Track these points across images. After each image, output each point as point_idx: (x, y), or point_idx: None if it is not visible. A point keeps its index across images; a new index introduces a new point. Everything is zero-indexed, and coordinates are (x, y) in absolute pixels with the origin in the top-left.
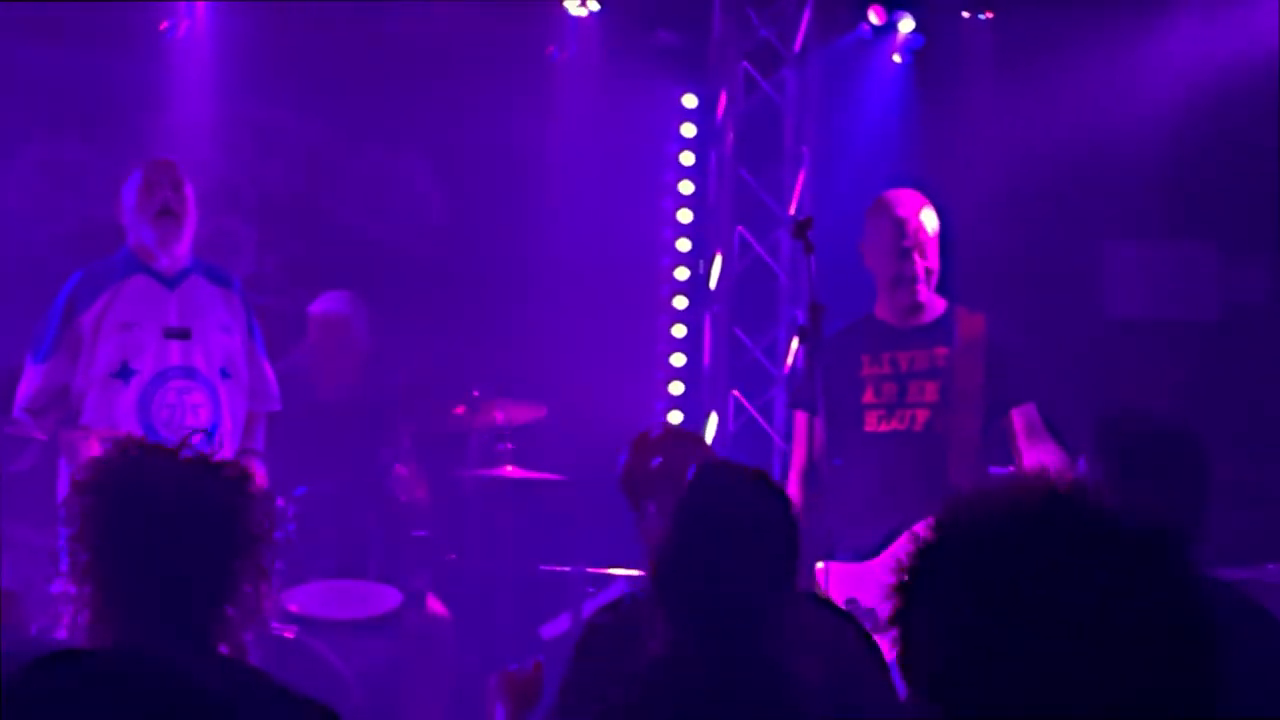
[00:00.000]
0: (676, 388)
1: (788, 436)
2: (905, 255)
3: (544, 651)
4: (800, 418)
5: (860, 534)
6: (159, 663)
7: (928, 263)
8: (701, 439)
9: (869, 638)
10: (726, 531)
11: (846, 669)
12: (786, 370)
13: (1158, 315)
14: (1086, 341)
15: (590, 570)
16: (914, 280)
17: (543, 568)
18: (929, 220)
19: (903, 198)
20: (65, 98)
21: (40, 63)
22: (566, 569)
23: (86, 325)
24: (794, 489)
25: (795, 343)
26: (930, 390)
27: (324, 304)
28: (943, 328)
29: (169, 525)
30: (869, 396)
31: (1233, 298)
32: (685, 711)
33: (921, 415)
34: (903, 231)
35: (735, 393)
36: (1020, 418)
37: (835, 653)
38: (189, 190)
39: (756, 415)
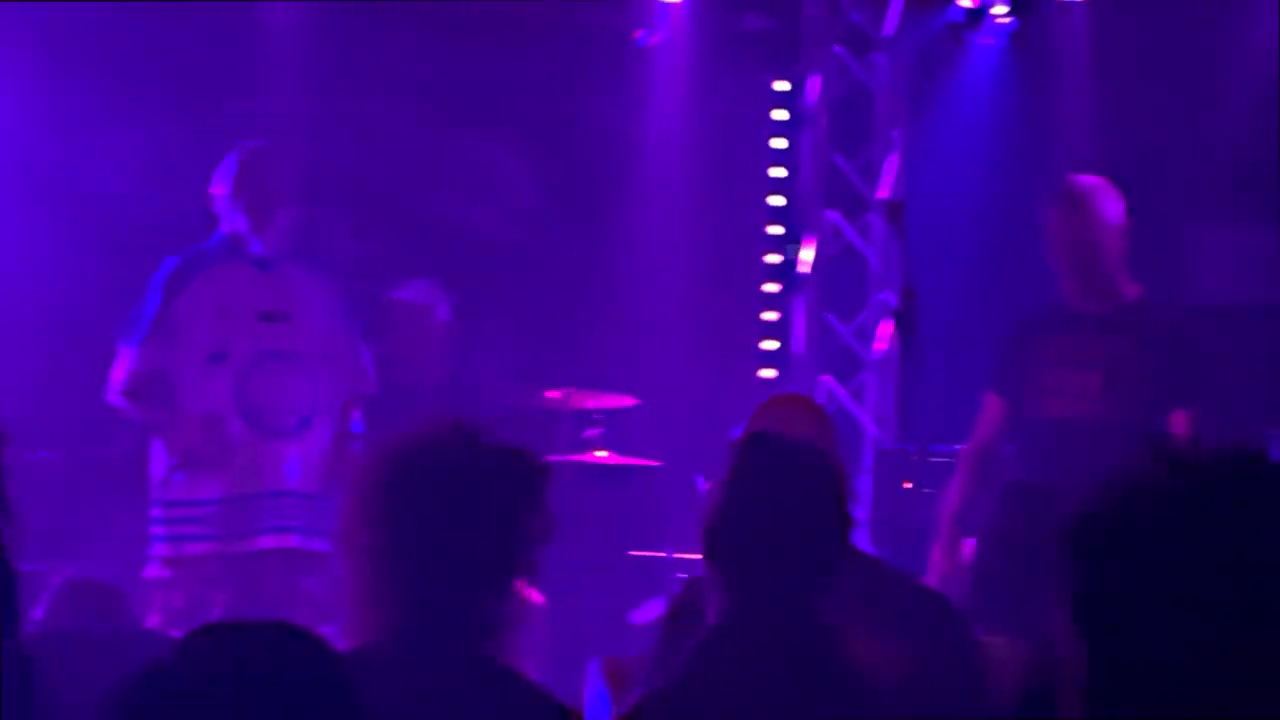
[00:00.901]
0: (767, 373)
1: (880, 421)
2: (1093, 245)
3: (634, 637)
4: (990, 400)
5: None
6: (300, 643)
7: (1114, 252)
8: (812, 407)
9: (954, 615)
10: (774, 499)
11: (922, 643)
12: (877, 355)
13: (1243, 300)
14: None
15: (680, 556)
16: (1107, 269)
17: (632, 553)
18: (1115, 209)
19: (1091, 187)
20: (162, 84)
21: (137, 49)
22: (657, 555)
23: (182, 309)
24: (963, 468)
25: (887, 327)
26: (1107, 379)
27: (405, 293)
28: (1129, 317)
29: (462, 513)
30: (1045, 381)
31: None
32: (742, 679)
33: (1098, 403)
34: (1089, 221)
35: (825, 378)
36: (1178, 423)
37: (910, 625)
38: (284, 176)
39: (846, 400)
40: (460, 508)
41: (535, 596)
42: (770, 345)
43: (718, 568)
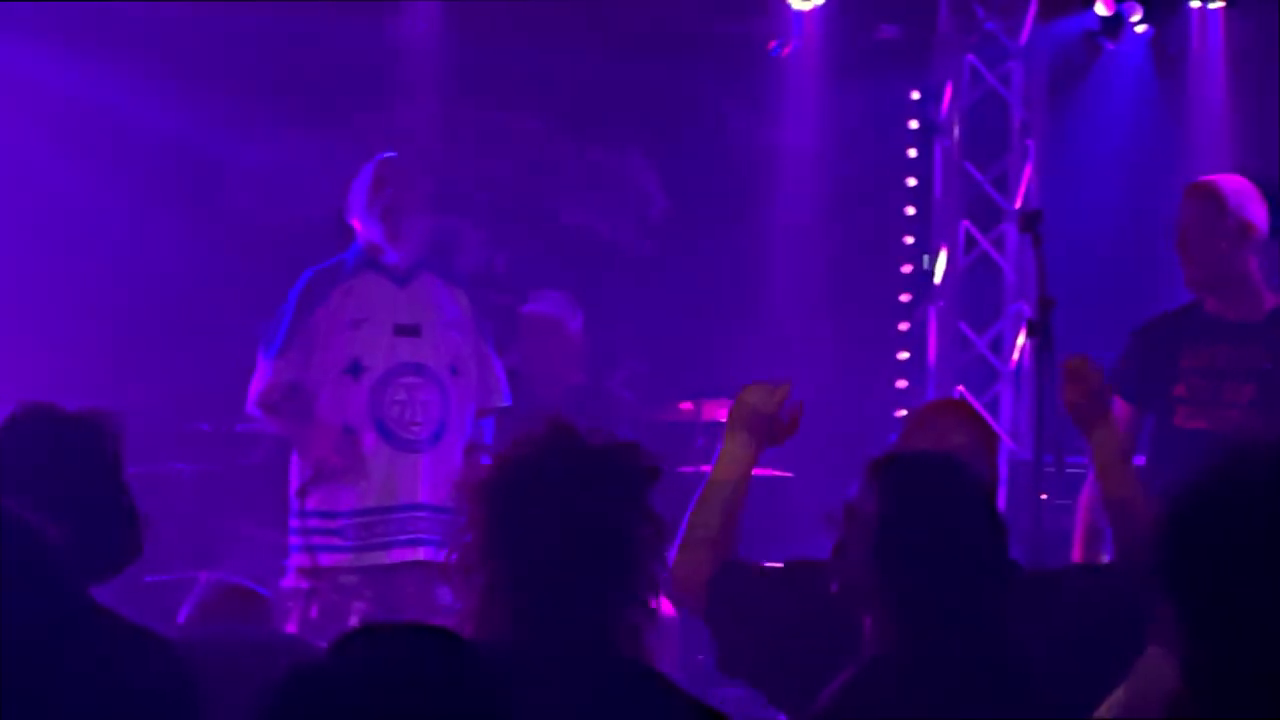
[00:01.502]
0: (901, 383)
1: (1014, 433)
2: (1236, 249)
3: None
4: (1118, 405)
5: None
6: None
7: (1259, 257)
8: (970, 414)
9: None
10: (932, 525)
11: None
12: (1012, 366)
13: None
14: None
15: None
16: (1245, 275)
17: (766, 565)
18: (1261, 214)
19: (1233, 186)
20: (296, 96)
21: (273, 62)
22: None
23: (319, 322)
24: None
25: (1022, 338)
26: (1247, 391)
27: (536, 305)
28: (1274, 327)
29: (586, 519)
30: (1181, 390)
31: None
32: (915, 707)
33: (1234, 416)
34: (1233, 226)
35: (960, 388)
36: None
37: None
38: (418, 187)
39: (983, 411)
40: (566, 510)
41: (667, 608)
42: (904, 355)
43: (878, 599)
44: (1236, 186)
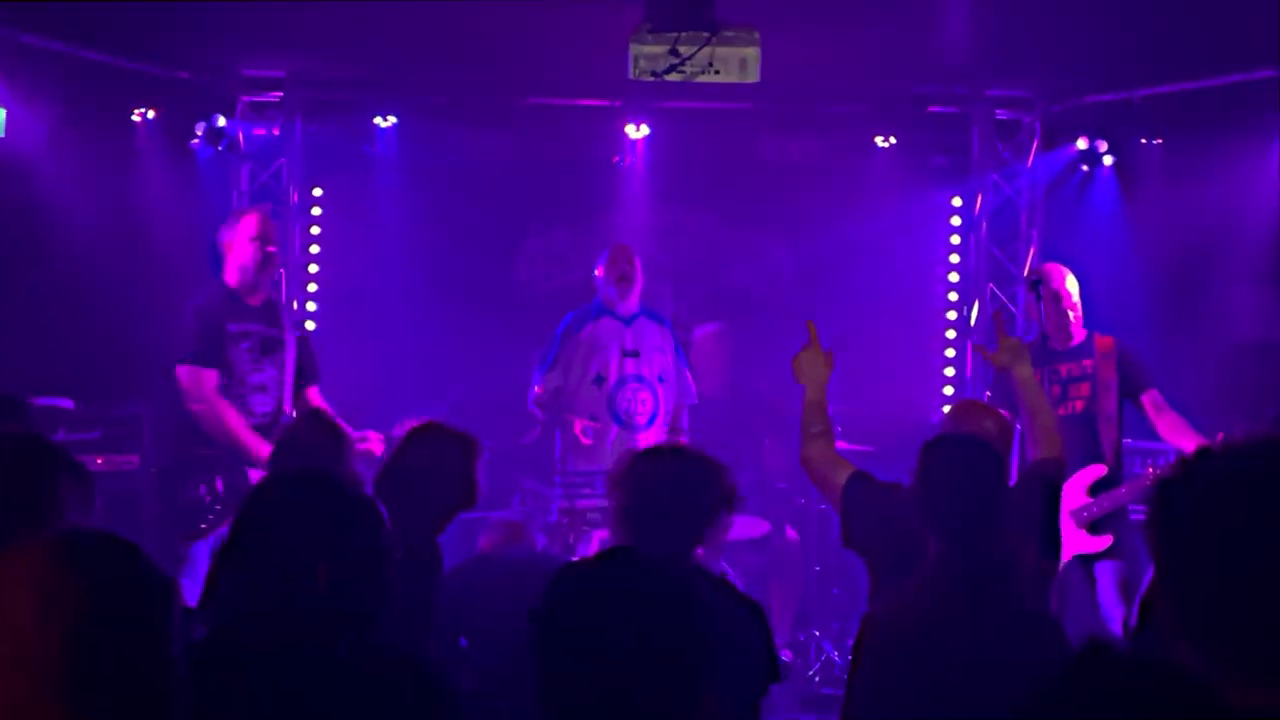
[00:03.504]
0: (948, 390)
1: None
2: (1060, 308)
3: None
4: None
5: None
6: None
7: (1075, 310)
8: (994, 412)
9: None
10: (960, 475)
11: None
12: None
13: (1275, 338)
14: (1214, 359)
15: None
16: (1068, 322)
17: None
18: (1073, 284)
19: (1055, 271)
20: (556, 202)
21: (537, 179)
22: None
23: (575, 349)
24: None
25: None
26: (1084, 388)
27: (702, 331)
28: (1086, 346)
29: (671, 481)
30: (1046, 393)
31: None
32: (945, 616)
33: (1079, 404)
34: (1059, 294)
35: (986, 393)
36: (1149, 400)
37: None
38: (638, 262)
39: (1008, 417)
40: (669, 478)
41: (791, 534)
42: (950, 373)
43: (931, 524)
44: (1059, 272)
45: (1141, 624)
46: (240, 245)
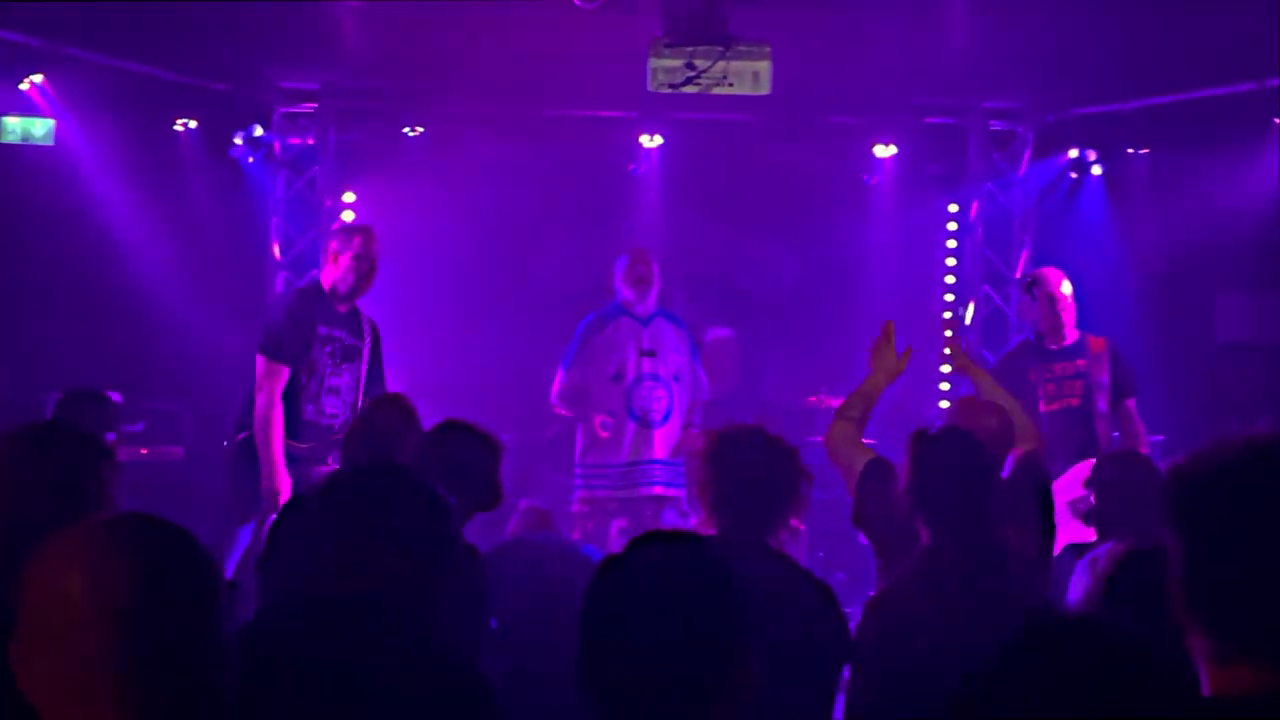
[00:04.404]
0: (944, 385)
1: None
2: (1055, 310)
3: None
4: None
5: None
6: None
7: (1069, 312)
8: (994, 409)
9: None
10: (948, 459)
11: None
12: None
13: (1257, 340)
14: (1200, 360)
15: None
16: (1062, 324)
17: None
18: (1068, 288)
19: (1052, 275)
20: (577, 210)
21: (556, 187)
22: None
23: (595, 347)
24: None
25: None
26: (1077, 385)
27: (711, 334)
28: (1079, 347)
29: (763, 463)
30: (1041, 390)
31: None
32: (940, 596)
33: (1074, 401)
34: (1054, 297)
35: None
36: (1126, 407)
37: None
38: (655, 266)
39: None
40: (762, 461)
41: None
42: (946, 369)
43: (921, 511)
44: (1056, 275)
45: (1108, 597)
46: (345, 259)
